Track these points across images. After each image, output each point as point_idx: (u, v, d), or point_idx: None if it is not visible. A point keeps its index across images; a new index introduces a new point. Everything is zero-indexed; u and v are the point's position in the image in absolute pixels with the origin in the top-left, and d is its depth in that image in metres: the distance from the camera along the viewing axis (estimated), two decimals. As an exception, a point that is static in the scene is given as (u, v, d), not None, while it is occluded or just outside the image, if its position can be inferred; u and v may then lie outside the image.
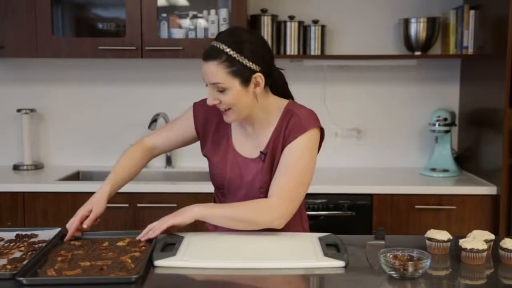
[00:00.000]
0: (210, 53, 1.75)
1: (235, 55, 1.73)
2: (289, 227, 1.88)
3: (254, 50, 1.77)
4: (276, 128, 1.86)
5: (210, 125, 1.95)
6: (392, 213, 2.91)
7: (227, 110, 1.80)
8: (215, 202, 2.02)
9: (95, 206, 1.84)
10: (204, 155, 1.99)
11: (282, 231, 1.87)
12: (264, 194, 1.86)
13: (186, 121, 2.00)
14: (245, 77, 1.75)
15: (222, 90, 1.76)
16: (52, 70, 3.45)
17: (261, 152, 1.87)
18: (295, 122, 1.82)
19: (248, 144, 1.90)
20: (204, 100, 1.89)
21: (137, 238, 1.75)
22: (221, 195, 1.97)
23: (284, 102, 1.90)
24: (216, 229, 1.92)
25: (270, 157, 1.86)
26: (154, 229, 1.75)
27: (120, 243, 1.72)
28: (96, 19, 3.47)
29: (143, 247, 1.69)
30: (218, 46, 1.74)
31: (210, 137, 1.96)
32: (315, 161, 1.86)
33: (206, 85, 1.80)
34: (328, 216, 2.91)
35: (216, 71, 1.74)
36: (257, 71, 1.77)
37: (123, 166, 1.98)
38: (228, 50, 1.73)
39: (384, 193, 2.92)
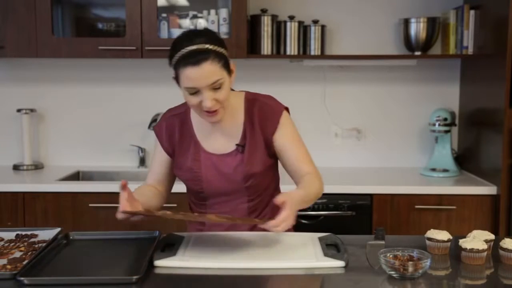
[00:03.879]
0: (200, 56, 1.70)
1: (219, 49, 1.74)
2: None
3: (222, 40, 1.79)
4: (246, 119, 1.86)
5: (174, 137, 1.92)
6: (392, 213, 2.91)
7: (217, 109, 1.76)
8: (191, 209, 2.00)
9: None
10: (176, 174, 1.94)
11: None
12: (250, 186, 1.85)
13: (157, 151, 1.95)
14: (228, 67, 1.77)
15: (218, 87, 1.73)
16: (52, 70, 3.45)
17: (237, 145, 1.86)
18: (266, 109, 1.87)
19: (218, 140, 1.89)
20: (161, 121, 1.92)
21: (270, 228, 1.62)
22: (202, 199, 1.93)
23: (240, 93, 1.92)
24: (203, 229, 1.92)
25: (251, 148, 1.84)
26: (282, 226, 1.61)
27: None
28: (96, 19, 3.47)
29: None
30: (202, 47, 1.71)
31: (176, 150, 1.92)
32: None
33: (194, 93, 1.73)
34: (328, 216, 2.91)
35: (213, 69, 1.71)
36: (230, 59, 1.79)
37: (141, 191, 1.89)
38: (212, 47, 1.72)
39: (384, 193, 2.92)
